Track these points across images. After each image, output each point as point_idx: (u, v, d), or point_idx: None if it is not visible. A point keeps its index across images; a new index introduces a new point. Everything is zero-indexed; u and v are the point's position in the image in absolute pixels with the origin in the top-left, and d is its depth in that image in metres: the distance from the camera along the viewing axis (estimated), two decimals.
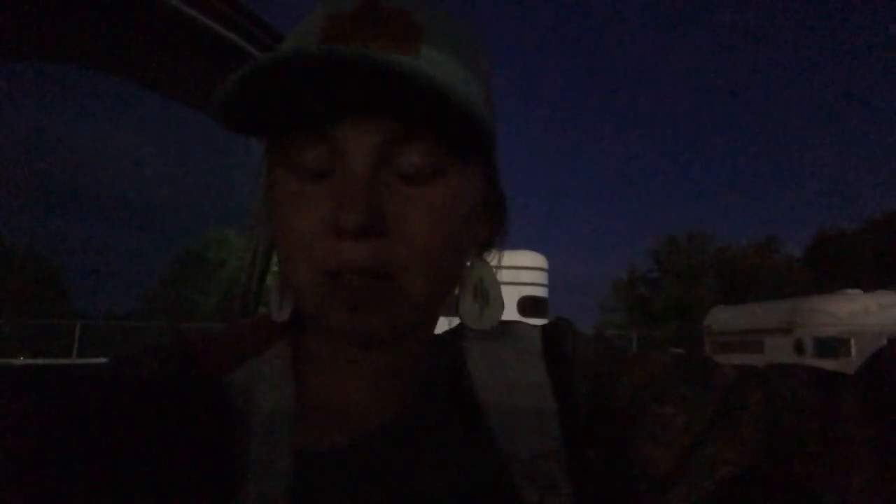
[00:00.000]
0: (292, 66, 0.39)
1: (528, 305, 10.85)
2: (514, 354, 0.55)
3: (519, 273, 10.64)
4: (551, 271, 11.68)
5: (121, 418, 0.42)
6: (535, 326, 0.59)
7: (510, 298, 10.66)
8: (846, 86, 67.74)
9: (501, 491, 0.47)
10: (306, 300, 0.46)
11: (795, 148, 68.37)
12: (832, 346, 12.34)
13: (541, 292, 11.30)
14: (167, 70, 1.03)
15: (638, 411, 0.50)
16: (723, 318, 15.98)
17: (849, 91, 66.86)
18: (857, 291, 13.29)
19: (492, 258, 0.56)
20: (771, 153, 69.37)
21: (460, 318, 0.55)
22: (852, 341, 12.08)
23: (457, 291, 0.54)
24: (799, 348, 12.97)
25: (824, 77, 70.03)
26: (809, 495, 0.43)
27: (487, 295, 0.54)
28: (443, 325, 0.56)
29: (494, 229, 0.56)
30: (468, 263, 0.54)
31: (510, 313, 10.46)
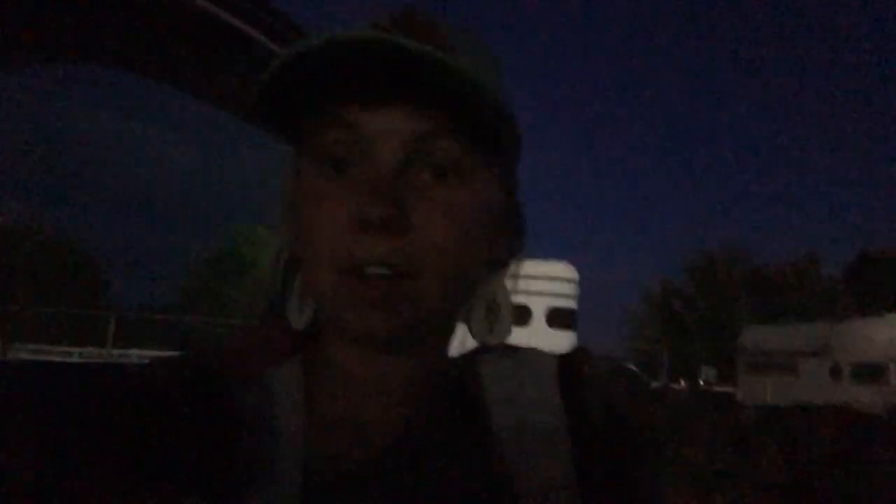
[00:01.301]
0: (325, 56, 0.40)
1: (557, 317, 10.78)
2: (530, 380, 0.54)
3: (548, 284, 10.57)
4: (581, 282, 11.59)
5: (131, 430, 0.42)
6: (551, 353, 0.58)
7: (539, 309, 10.59)
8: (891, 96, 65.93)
9: None
10: (326, 299, 0.46)
11: (839, 164, 66.75)
12: (870, 371, 11.99)
13: (570, 304, 11.21)
14: (204, 74, 1.06)
15: (656, 449, 0.49)
16: (757, 337, 15.65)
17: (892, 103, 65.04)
18: None
19: (509, 273, 0.56)
20: (813, 166, 67.85)
21: (470, 333, 0.55)
22: (892, 367, 11.72)
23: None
24: (835, 373, 12.62)
25: (868, 92, 68.29)
26: None
27: (499, 311, 0.54)
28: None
29: (511, 244, 0.55)
30: (483, 278, 0.54)
31: (538, 324, 10.40)
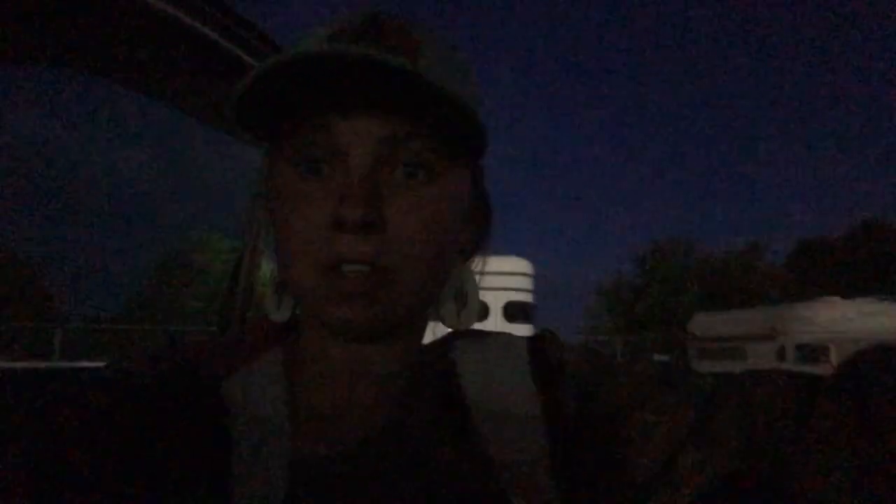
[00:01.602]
0: (301, 66, 0.42)
1: (515, 311, 10.87)
2: (502, 363, 0.56)
3: (505, 278, 10.65)
4: (538, 278, 11.71)
5: (115, 426, 0.43)
6: (521, 336, 0.60)
7: (496, 304, 10.67)
8: (827, 93, 68.70)
9: (490, 497, 0.48)
10: (304, 294, 0.47)
11: (778, 156, 69.19)
12: (813, 352, 12.46)
13: (527, 298, 11.32)
14: (157, 75, 1.04)
15: (621, 419, 0.51)
16: (705, 324, 16.07)
17: (829, 99, 67.80)
18: (837, 298, 13.45)
19: (476, 264, 0.59)
20: (755, 161, 70.14)
21: (440, 319, 0.57)
22: (832, 348, 12.20)
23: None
24: (781, 355, 13.07)
25: (802, 84, 70.98)
26: (789, 499, 0.43)
27: (466, 297, 0.57)
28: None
29: (479, 235, 0.58)
30: (453, 268, 0.56)
31: (496, 318, 10.47)
